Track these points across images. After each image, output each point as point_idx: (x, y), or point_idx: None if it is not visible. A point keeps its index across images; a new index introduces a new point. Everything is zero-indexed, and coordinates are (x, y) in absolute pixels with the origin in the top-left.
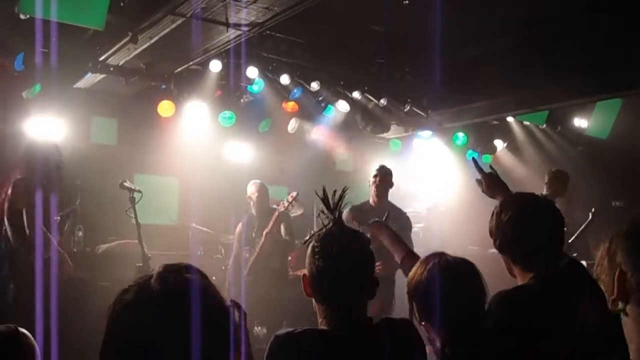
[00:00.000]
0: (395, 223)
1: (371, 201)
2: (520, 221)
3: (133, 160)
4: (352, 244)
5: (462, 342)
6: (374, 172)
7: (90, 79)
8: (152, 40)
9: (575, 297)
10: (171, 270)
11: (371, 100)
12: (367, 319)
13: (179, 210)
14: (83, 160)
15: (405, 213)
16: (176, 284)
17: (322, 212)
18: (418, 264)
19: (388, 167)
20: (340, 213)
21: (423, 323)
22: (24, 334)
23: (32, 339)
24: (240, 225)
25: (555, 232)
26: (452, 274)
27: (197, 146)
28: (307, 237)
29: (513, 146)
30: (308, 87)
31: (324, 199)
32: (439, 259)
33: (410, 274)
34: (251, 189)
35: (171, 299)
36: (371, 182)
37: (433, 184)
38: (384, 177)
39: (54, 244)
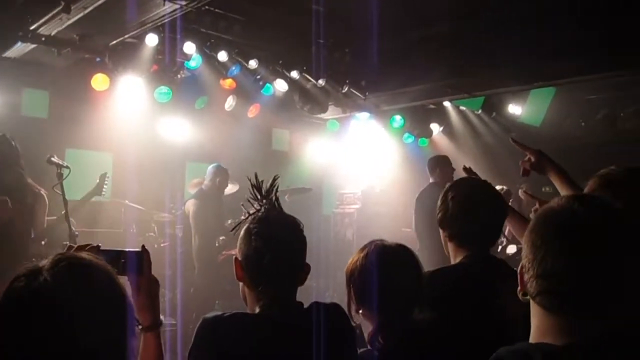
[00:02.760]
0: None
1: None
2: (464, 200)
3: (65, 134)
4: (290, 227)
5: (395, 329)
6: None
7: (20, 48)
8: (87, 11)
9: (502, 281)
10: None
11: (309, 80)
12: (298, 303)
13: (112, 187)
14: (13, 133)
15: None
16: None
17: (249, 200)
18: (357, 251)
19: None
20: (277, 198)
21: (360, 311)
22: None
23: None
24: (192, 205)
25: (495, 219)
26: (388, 260)
27: (131, 122)
28: (237, 223)
29: (449, 130)
30: (246, 64)
31: (255, 186)
32: (376, 245)
33: (350, 261)
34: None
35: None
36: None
37: (369, 166)
38: None
39: None
